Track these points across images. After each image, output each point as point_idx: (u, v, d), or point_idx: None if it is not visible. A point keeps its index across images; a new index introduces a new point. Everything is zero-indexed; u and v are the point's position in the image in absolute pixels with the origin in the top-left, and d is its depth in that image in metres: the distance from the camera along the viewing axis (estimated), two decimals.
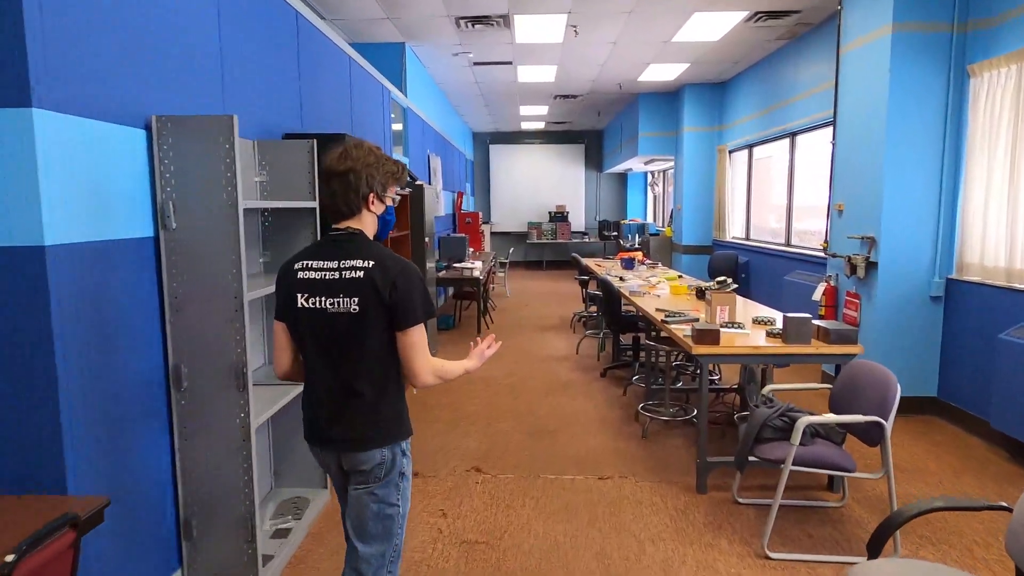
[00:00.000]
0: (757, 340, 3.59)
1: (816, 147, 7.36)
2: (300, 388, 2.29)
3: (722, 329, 3.69)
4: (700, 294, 5.03)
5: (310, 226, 3.31)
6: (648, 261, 7.54)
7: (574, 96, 11.34)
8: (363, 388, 1.85)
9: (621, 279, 6.30)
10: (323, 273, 1.85)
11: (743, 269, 8.90)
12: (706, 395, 3.52)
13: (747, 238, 9.42)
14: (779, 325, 3.93)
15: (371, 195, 1.88)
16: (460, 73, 9.34)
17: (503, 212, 16.44)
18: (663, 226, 14.52)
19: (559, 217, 15.98)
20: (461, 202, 12.30)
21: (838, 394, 3.16)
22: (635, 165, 13.65)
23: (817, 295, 5.29)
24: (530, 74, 9.47)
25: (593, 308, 8.04)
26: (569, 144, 16.34)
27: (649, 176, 15.76)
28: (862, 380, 3.02)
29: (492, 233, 15.77)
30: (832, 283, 5.27)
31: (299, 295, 1.86)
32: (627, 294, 5.34)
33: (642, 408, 4.79)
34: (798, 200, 7.79)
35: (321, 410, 1.91)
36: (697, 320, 4.08)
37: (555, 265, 16.25)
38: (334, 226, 1.91)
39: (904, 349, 4.73)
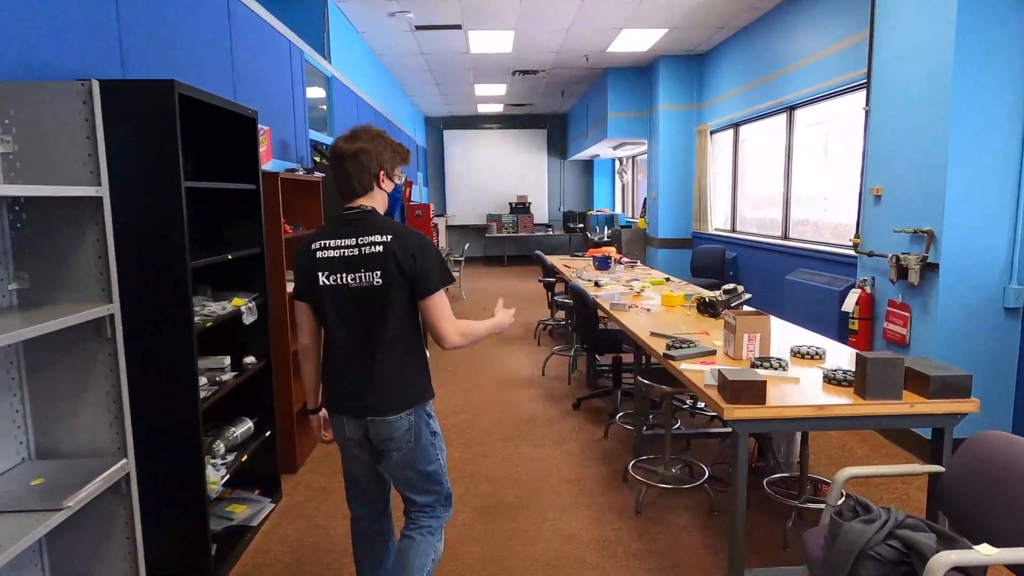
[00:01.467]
0: (813, 391, 2.39)
1: (822, 122, 6.24)
2: None
3: (758, 370, 2.49)
4: (704, 307, 3.82)
5: (96, 229, 1.97)
6: (626, 260, 6.36)
7: (535, 72, 10.07)
8: (386, 358, 1.96)
9: (596, 284, 5.07)
10: (342, 251, 1.93)
11: (730, 266, 7.77)
12: (743, 484, 2.30)
13: (733, 230, 8.30)
14: (835, 361, 2.74)
15: (381, 173, 2.01)
16: (402, 41, 7.97)
17: (460, 204, 15.10)
18: (634, 217, 13.40)
19: (520, 209, 14.72)
20: (410, 193, 10.93)
21: (958, 488, 1.97)
22: (603, 151, 12.46)
23: (849, 304, 4.14)
24: (484, 42, 8.15)
25: (561, 314, 6.82)
26: (530, 129, 15.06)
27: (617, 163, 14.60)
28: (1008, 472, 1.84)
29: (448, 227, 14.43)
30: (868, 289, 4.12)
31: (320, 274, 1.95)
32: (606, 307, 4.12)
33: (633, 466, 3.57)
34: (798, 186, 6.67)
35: (346, 381, 2.00)
36: (712, 352, 2.87)
37: (517, 261, 15.00)
38: (347, 206, 2.00)
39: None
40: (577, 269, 5.89)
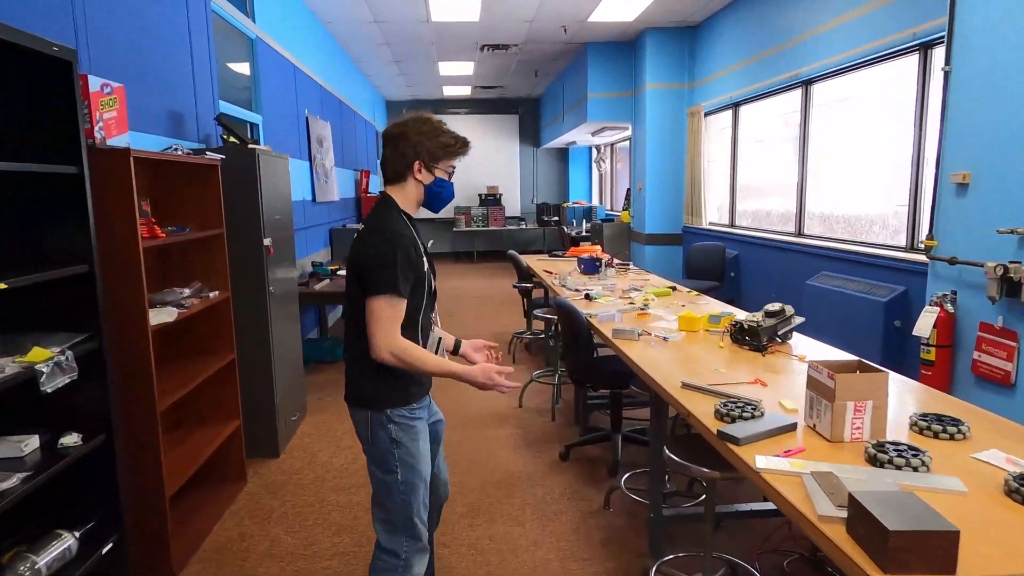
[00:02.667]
0: (1006, 523, 1.37)
1: (845, 99, 5.27)
2: None
3: (879, 452, 1.46)
4: (742, 336, 2.80)
5: None
6: (618, 262, 5.33)
7: (506, 47, 8.96)
8: (352, 351, 1.93)
9: (587, 296, 4.03)
10: (355, 233, 1.99)
11: (731, 266, 6.80)
12: None
13: (731, 224, 7.33)
14: (992, 443, 1.72)
15: (417, 163, 1.93)
16: (350, 5, 6.80)
17: None
18: (615, 209, 12.40)
19: (491, 201, 13.61)
20: (367, 184, 9.78)
21: None
22: (580, 137, 11.42)
23: (924, 328, 3.15)
24: (447, 8, 7.02)
25: (539, 324, 5.78)
26: (501, 115, 13.94)
27: (594, 151, 13.58)
28: None
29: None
30: (948, 307, 3.14)
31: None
32: (606, 334, 3.08)
33: (658, 570, 2.54)
34: (815, 174, 5.70)
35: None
36: (791, 427, 1.84)
37: (488, 257, 13.90)
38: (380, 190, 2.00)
39: None
40: (560, 274, 4.84)
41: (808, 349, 2.79)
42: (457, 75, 10.96)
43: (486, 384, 1.95)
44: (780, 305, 2.87)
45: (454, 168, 2.05)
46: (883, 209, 4.89)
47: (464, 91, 12.63)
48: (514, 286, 5.77)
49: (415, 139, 1.91)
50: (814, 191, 5.74)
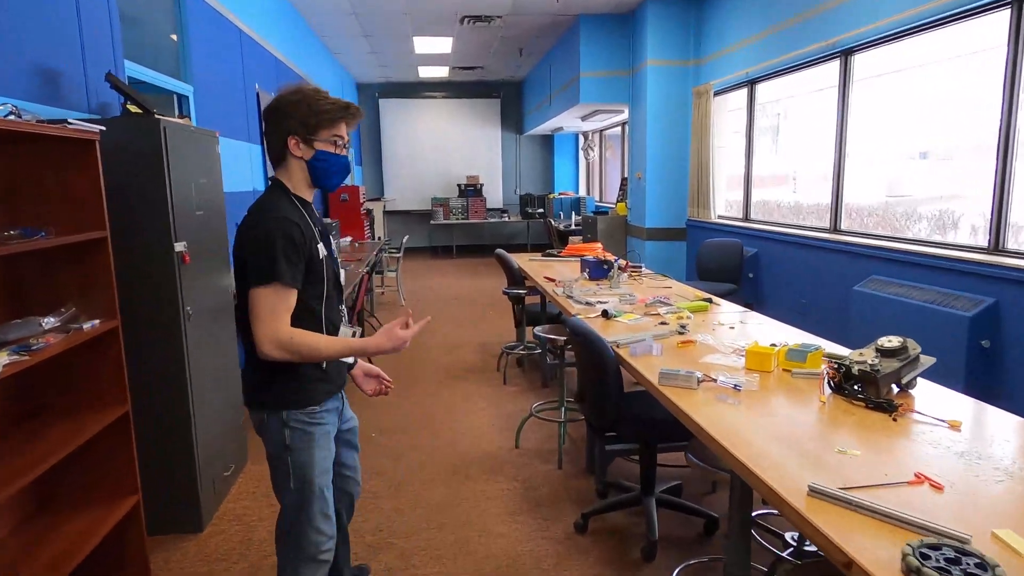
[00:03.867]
0: None
1: (885, 72, 4.45)
2: None
3: None
4: (850, 387, 1.94)
5: None
6: (631, 266, 4.44)
7: (489, 19, 8.01)
8: (248, 346, 1.74)
9: (606, 315, 3.15)
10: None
11: (750, 266, 5.98)
12: None
13: (746, 218, 6.50)
14: None
15: (292, 138, 1.75)
16: None
17: (400, 186, 12.95)
18: (603, 200, 11.55)
19: (471, 191, 12.67)
20: None
21: None
22: (568, 122, 10.52)
23: None
24: None
25: (533, 338, 4.90)
26: (481, 99, 12.98)
27: (581, 138, 12.70)
28: None
29: (387, 213, 12.30)
30: None
31: None
32: (651, 380, 2.21)
33: None
34: (853, 161, 4.89)
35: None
36: None
37: (468, 251, 12.98)
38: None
39: None
40: (565, 282, 3.95)
41: (934, 399, 1.95)
42: (434, 53, 9.99)
43: (396, 346, 1.77)
44: (900, 340, 2.02)
45: (342, 138, 1.81)
46: (928, 204, 4.09)
47: (441, 72, 11.65)
48: (505, 292, 4.87)
49: (285, 112, 1.73)
50: (855, 181, 4.92)
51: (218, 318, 3.15)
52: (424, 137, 12.86)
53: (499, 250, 5.30)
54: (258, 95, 5.50)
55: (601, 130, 11.65)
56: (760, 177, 6.47)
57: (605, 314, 3.13)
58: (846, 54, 4.80)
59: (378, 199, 12.03)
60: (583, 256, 4.87)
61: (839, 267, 4.75)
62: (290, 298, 1.67)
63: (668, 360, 2.40)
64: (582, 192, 12.94)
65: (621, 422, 2.59)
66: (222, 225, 3.30)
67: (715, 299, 3.52)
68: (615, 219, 8.43)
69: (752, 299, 5.96)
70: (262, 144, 5.57)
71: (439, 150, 12.96)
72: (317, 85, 1.72)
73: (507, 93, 13.02)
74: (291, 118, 1.73)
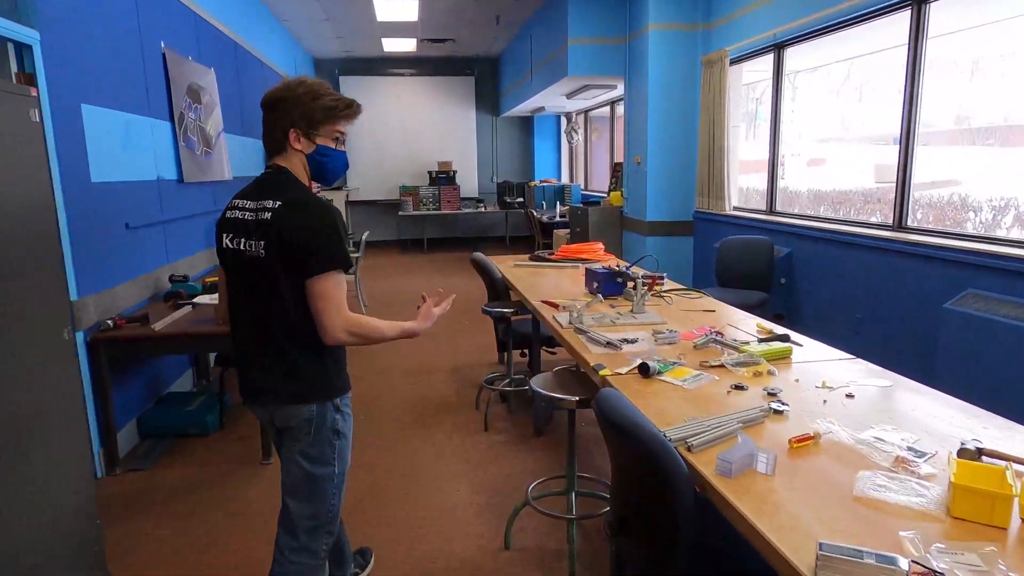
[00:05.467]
0: None
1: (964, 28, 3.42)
2: None
3: None
4: None
5: None
6: (655, 278, 3.33)
7: None
8: (281, 340, 1.72)
9: (646, 370, 2.05)
10: (244, 213, 1.72)
11: (782, 269, 4.94)
12: None
13: (770, 211, 5.46)
14: None
15: (293, 131, 1.73)
16: None
17: (364, 174, 11.70)
18: (589, 188, 10.46)
19: (443, 179, 11.48)
20: None
21: None
22: (551, 101, 9.40)
23: None
24: None
25: (521, 362, 3.84)
26: (453, 77, 11.76)
27: (564, 120, 11.57)
28: None
29: (349, 203, 11.05)
30: None
31: (224, 235, 1.76)
32: (785, 554, 1.12)
33: None
34: (922, 141, 3.86)
35: (247, 361, 1.80)
36: None
37: (441, 245, 11.82)
38: (270, 163, 1.78)
39: None
40: (570, 306, 2.84)
41: None
42: (399, 21, 8.76)
43: (430, 324, 1.90)
44: None
45: (343, 134, 1.81)
46: None
47: (408, 45, 10.40)
48: (485, 311, 3.76)
49: (290, 104, 1.70)
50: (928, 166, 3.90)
51: (33, 365, 1.98)
52: (390, 119, 11.60)
53: (477, 254, 4.17)
54: (165, 57, 4.28)
55: (586, 111, 10.55)
56: (753, 162, 5.43)
57: (644, 370, 2.04)
58: (918, 2, 3.75)
59: (339, 188, 10.79)
60: (587, 262, 3.77)
61: (913, 275, 3.72)
62: (345, 284, 1.71)
63: (788, 479, 1.33)
64: (565, 179, 11.84)
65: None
66: (52, 232, 2.13)
67: (794, 336, 2.45)
68: (608, 210, 7.34)
69: (784, 309, 4.93)
70: (172, 121, 4.37)
71: (407, 133, 11.73)
72: (310, 77, 1.73)
73: (482, 70, 11.82)
74: (294, 111, 1.70)
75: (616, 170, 7.96)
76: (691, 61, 6.18)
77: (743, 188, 6.10)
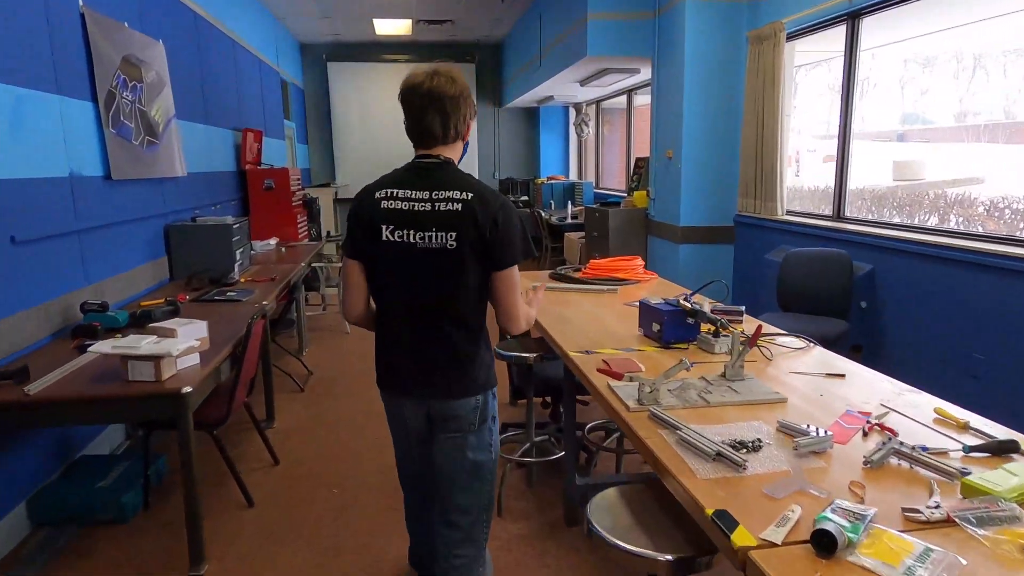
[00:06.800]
0: None
1: None
2: None
3: None
4: None
5: None
6: (724, 312, 2.44)
7: None
8: (452, 331, 1.72)
9: (824, 545, 1.13)
10: (412, 204, 1.68)
11: (863, 291, 3.99)
12: None
13: (838, 215, 4.52)
14: None
15: (472, 121, 1.81)
16: None
17: (353, 170, 10.73)
18: (602, 187, 9.52)
19: None
20: (258, 150, 6.59)
21: None
22: (561, 89, 8.44)
23: None
24: None
25: (541, 403, 2.91)
26: (452, 63, 10.74)
27: (573, 112, 10.61)
28: None
29: (337, 202, 10.08)
30: None
31: (384, 227, 1.68)
32: None
33: None
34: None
35: (406, 356, 1.76)
36: None
37: None
38: (422, 151, 1.75)
39: None
40: (639, 378, 1.91)
41: None
42: (392, 2, 7.78)
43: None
44: None
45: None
46: None
47: (402, 26, 9.42)
48: (500, 355, 2.82)
49: (467, 96, 1.75)
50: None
51: None
52: (383, 110, 10.61)
53: None
54: (84, 17, 3.31)
55: (599, 100, 9.59)
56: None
57: (826, 543, 1.10)
58: None
59: (326, 185, 9.82)
60: (623, 283, 2.84)
61: None
62: None
63: None
64: (573, 176, 10.89)
65: None
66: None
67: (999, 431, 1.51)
68: (630, 213, 6.40)
69: (864, 340, 4.00)
70: (95, 101, 3.40)
71: (402, 125, 10.70)
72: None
73: (483, 56, 10.85)
74: (470, 104, 1.76)
75: (638, 166, 7.01)
76: (735, 38, 5.23)
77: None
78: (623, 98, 8.61)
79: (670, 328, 2.31)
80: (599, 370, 1.96)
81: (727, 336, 2.21)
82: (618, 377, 1.79)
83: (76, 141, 3.21)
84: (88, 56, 3.35)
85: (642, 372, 2.00)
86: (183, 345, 2.34)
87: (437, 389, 1.74)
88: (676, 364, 1.79)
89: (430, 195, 1.66)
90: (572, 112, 10.67)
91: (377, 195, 1.70)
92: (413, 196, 1.67)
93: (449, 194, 1.66)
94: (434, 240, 1.64)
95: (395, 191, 1.69)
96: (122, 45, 3.73)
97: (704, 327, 2.33)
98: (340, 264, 5.95)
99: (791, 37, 4.75)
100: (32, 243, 2.80)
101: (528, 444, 2.99)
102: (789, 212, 4.98)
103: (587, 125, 10.07)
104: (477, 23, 9.26)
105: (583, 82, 7.55)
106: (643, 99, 8.36)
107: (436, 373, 1.73)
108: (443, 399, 1.74)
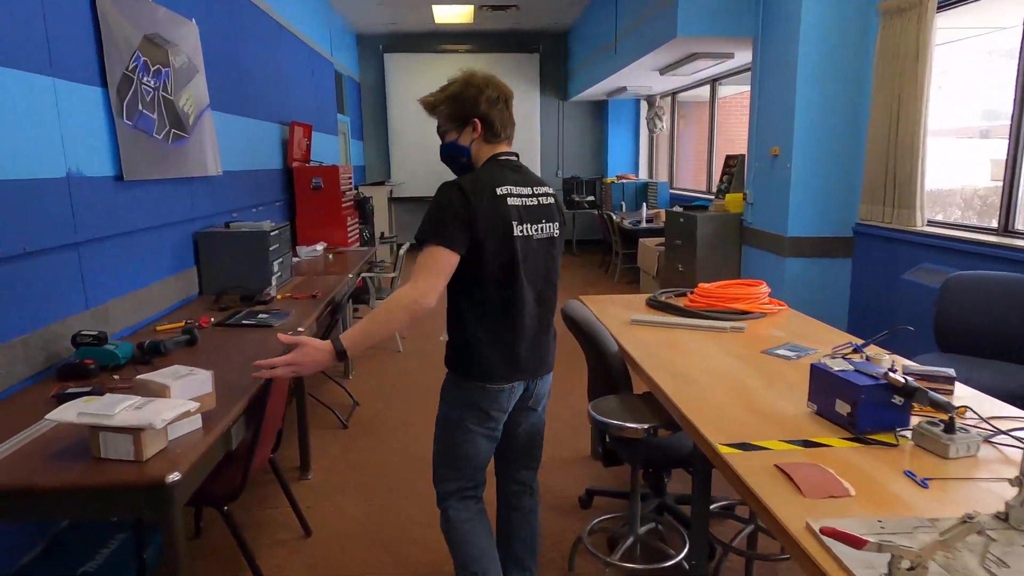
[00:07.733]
0: None
1: None
2: None
3: None
4: None
5: None
6: (927, 378, 1.68)
7: None
8: (552, 314, 1.89)
9: None
10: (525, 199, 1.79)
11: None
12: None
13: (1007, 229, 3.61)
14: None
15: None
16: None
17: (410, 167, 10.17)
18: (678, 188, 8.66)
19: None
20: (308, 147, 6.04)
21: None
22: (635, 79, 7.63)
23: None
24: None
25: (649, 483, 2.15)
26: (515, 53, 10.09)
27: (645, 105, 9.77)
28: None
29: (393, 200, 9.53)
30: None
31: (514, 224, 1.74)
32: None
33: None
34: None
35: (524, 341, 1.81)
36: None
37: None
38: (502, 151, 1.85)
39: None
40: (886, 540, 1.18)
41: None
42: None
43: None
44: None
45: None
46: None
47: (464, 13, 8.77)
48: (598, 423, 2.10)
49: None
50: None
51: None
52: None
53: (572, 305, 2.50)
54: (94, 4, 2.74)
55: (674, 92, 8.74)
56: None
57: None
58: None
59: (381, 183, 9.28)
60: (747, 316, 2.07)
61: None
62: None
63: None
64: (644, 175, 10.05)
65: None
66: None
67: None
68: (722, 219, 5.56)
69: None
70: (104, 86, 2.83)
71: None
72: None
73: (548, 47, 10.11)
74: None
75: (729, 165, 6.16)
76: (863, 11, 4.35)
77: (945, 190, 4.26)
78: (700, 90, 7.75)
79: (867, 411, 1.54)
80: (826, 531, 1.18)
81: (967, 433, 1.43)
82: (858, 545, 1.04)
83: (77, 134, 2.64)
84: (96, 31, 2.79)
85: (851, 494, 1.25)
86: (171, 413, 1.69)
87: (547, 365, 1.90)
88: (959, 522, 1.02)
89: (532, 190, 1.81)
90: (644, 105, 9.82)
91: (499, 192, 1.74)
92: (523, 192, 1.78)
93: (543, 188, 1.85)
94: (544, 231, 1.81)
95: (512, 188, 1.76)
96: (143, 21, 3.16)
97: (917, 407, 1.55)
98: (393, 274, 5.32)
99: (944, 6, 3.85)
100: (8, 262, 2.22)
101: (632, 539, 2.25)
102: (931, 223, 4.09)
103: (661, 119, 9.20)
104: (543, 11, 8.53)
105: (663, 70, 6.73)
106: (728, 90, 7.48)
107: (549, 351, 1.90)
108: (546, 373, 1.91)
